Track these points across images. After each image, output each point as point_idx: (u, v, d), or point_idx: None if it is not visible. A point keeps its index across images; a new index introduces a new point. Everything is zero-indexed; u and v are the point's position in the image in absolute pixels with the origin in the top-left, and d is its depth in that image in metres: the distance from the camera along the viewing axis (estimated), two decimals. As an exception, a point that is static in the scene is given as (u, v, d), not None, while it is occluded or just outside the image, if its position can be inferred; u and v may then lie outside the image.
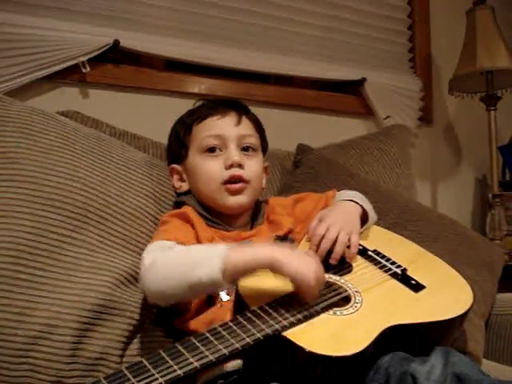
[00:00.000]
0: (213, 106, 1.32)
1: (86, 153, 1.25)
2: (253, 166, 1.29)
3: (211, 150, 1.26)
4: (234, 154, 1.25)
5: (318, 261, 1.01)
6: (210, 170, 1.25)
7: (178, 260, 1.06)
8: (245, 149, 1.29)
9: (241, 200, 1.26)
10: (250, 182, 1.27)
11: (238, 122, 1.29)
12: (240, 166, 1.25)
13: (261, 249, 1.02)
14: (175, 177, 1.35)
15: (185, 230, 1.20)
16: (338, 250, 1.18)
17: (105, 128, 1.49)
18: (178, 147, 1.33)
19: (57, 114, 1.33)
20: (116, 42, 1.75)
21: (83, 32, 1.72)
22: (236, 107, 1.32)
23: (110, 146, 1.32)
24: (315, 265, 0.99)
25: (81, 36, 1.71)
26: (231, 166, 1.24)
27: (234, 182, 1.25)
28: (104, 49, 1.74)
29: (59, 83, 1.73)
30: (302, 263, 0.97)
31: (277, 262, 0.97)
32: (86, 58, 1.71)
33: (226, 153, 1.26)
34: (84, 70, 1.72)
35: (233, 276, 0.99)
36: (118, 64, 1.84)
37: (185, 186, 1.33)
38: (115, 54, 1.82)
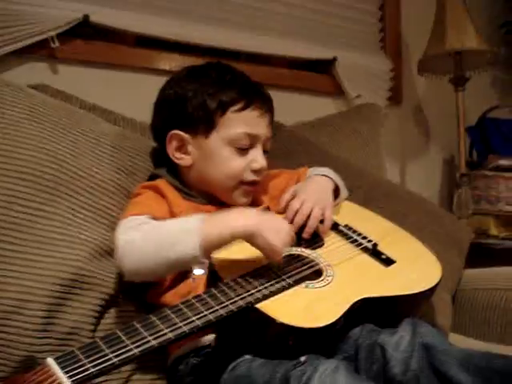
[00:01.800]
0: (250, 93, 1.23)
1: (55, 125, 1.23)
2: (266, 168, 1.26)
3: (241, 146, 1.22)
4: (263, 161, 1.23)
5: (286, 223, 1.08)
6: (236, 167, 1.21)
7: (154, 238, 1.05)
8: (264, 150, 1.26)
9: (249, 201, 1.26)
10: (259, 183, 1.27)
11: (270, 123, 1.27)
12: (262, 172, 1.24)
13: (235, 221, 1.02)
14: (175, 144, 1.24)
15: (158, 202, 1.19)
16: (312, 224, 1.20)
17: (74, 101, 1.46)
18: (199, 117, 1.21)
19: (25, 87, 1.31)
20: (86, 17, 1.72)
21: (53, 6, 1.68)
22: (270, 103, 1.28)
23: (80, 118, 1.30)
24: (286, 233, 1.03)
25: (50, 10, 1.67)
26: (256, 172, 1.22)
27: (251, 184, 1.24)
28: (74, 23, 1.71)
29: (28, 58, 1.69)
30: (273, 233, 1.00)
31: (251, 234, 1.00)
32: (55, 32, 1.67)
33: (252, 152, 1.22)
34: (53, 45, 1.68)
35: (209, 250, 1.01)
36: (88, 40, 1.81)
37: (187, 161, 1.24)
38: (85, 30, 1.79)
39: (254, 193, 1.27)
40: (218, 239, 1.00)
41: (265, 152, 1.26)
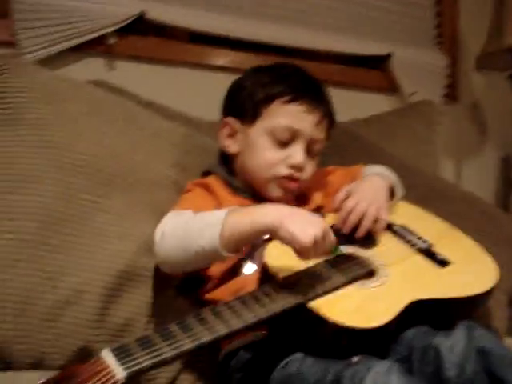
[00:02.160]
0: (301, 87, 1.23)
1: (113, 120, 1.25)
2: (310, 170, 1.25)
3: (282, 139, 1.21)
4: (300, 157, 1.21)
5: (321, 220, 0.99)
6: (271, 159, 1.21)
7: (184, 230, 1.05)
8: (310, 151, 1.24)
9: (286, 197, 1.24)
10: (302, 183, 1.25)
11: (320, 123, 1.24)
12: (301, 169, 1.22)
13: (257, 214, 0.99)
14: (225, 131, 1.27)
15: (205, 199, 1.20)
16: (366, 224, 1.18)
17: (132, 98, 1.48)
18: (247, 107, 1.24)
19: (84, 82, 1.33)
20: (142, 13, 1.74)
21: (109, 3, 1.71)
22: (324, 102, 1.26)
23: (137, 114, 1.32)
24: (319, 225, 0.95)
25: (107, 7, 1.70)
26: (293, 167, 1.21)
27: (288, 179, 1.22)
28: (130, 20, 1.73)
29: (85, 54, 1.72)
30: (299, 227, 0.94)
31: (273, 227, 0.95)
32: (112, 29, 1.70)
33: (292, 148, 1.21)
34: (110, 42, 1.71)
35: (233, 242, 0.99)
36: (143, 35, 1.83)
37: (233, 148, 1.27)
38: (141, 26, 1.81)
39: (295, 190, 1.25)
40: (239, 232, 0.99)
41: (312, 154, 1.25)
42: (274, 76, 1.25)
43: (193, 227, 1.04)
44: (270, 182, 1.22)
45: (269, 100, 1.21)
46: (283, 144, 1.21)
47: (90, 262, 1.10)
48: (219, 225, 0.98)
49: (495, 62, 2.34)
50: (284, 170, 1.21)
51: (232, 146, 1.27)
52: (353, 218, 1.18)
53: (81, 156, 1.17)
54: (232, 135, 1.27)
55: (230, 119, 1.26)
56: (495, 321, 1.36)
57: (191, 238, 1.02)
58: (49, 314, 1.05)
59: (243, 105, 1.24)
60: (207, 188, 1.22)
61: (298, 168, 1.22)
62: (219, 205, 1.19)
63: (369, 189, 1.25)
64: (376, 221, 1.19)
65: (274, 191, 1.23)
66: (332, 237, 0.98)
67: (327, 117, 1.27)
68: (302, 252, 0.94)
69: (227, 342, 1.07)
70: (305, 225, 0.94)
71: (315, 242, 0.93)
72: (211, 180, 1.24)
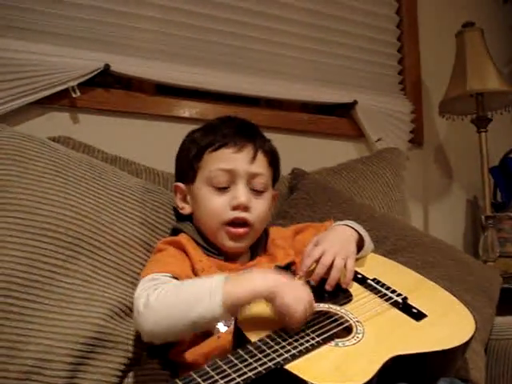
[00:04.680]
0: (230, 133, 1.24)
1: (78, 179, 1.22)
2: (259, 208, 1.23)
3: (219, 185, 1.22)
4: (242, 195, 1.20)
5: (309, 292, 1.01)
6: (214, 207, 1.21)
7: (176, 298, 1.02)
8: (252, 189, 1.24)
9: (240, 246, 1.24)
10: (254, 225, 1.23)
11: (253, 159, 1.23)
12: (246, 208, 1.21)
13: (259, 281, 1.00)
14: (178, 196, 1.31)
15: (180, 260, 1.17)
16: (334, 275, 1.15)
17: (96, 154, 1.46)
18: (186, 167, 1.28)
19: (48, 140, 1.30)
20: (106, 67, 1.74)
21: (73, 56, 1.70)
22: (253, 139, 1.26)
23: (102, 172, 1.30)
24: (307, 298, 0.98)
25: (71, 60, 1.69)
26: (237, 208, 1.20)
27: (237, 225, 1.21)
28: (94, 73, 1.73)
29: (48, 108, 1.71)
30: (293, 298, 0.96)
31: (271, 293, 0.97)
32: (76, 82, 1.69)
33: (233, 190, 1.21)
34: (74, 95, 1.69)
35: (232, 309, 0.98)
36: (108, 88, 1.82)
37: (187, 209, 1.30)
38: (105, 79, 1.80)
39: (244, 236, 1.23)
40: (240, 300, 0.98)
41: (258, 192, 1.24)
42: (205, 130, 1.29)
43: (187, 296, 1.01)
44: (220, 230, 1.21)
45: (200, 154, 1.24)
46: (223, 189, 1.21)
47: (54, 329, 1.06)
48: (219, 294, 0.97)
49: (458, 106, 2.40)
50: (230, 214, 1.20)
51: (186, 208, 1.30)
52: (320, 269, 1.16)
53: (45, 219, 1.13)
54: (184, 198, 1.30)
55: (178, 184, 1.30)
56: (474, 371, 1.34)
57: (186, 307, 0.99)
58: (12, 386, 1.00)
59: (182, 167, 1.30)
60: (180, 246, 1.20)
61: (244, 207, 1.20)
62: (193, 265, 1.17)
63: (335, 238, 1.24)
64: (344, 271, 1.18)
65: (225, 242, 1.22)
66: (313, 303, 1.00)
67: (262, 150, 1.26)
68: (293, 324, 0.96)
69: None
70: (298, 298, 0.97)
71: (306, 312, 0.97)
72: (182, 238, 1.22)
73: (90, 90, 1.76)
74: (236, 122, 1.29)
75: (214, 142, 1.23)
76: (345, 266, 1.18)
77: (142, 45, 1.87)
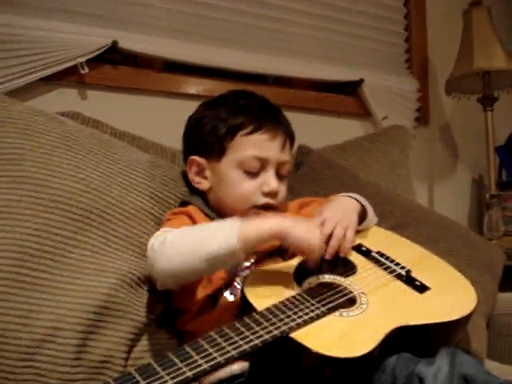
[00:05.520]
0: (261, 117, 1.25)
1: (88, 154, 1.24)
2: (283, 192, 1.27)
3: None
4: (274, 182, 1.23)
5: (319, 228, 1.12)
6: (246, 191, 1.23)
7: (191, 235, 1.07)
8: (279, 174, 1.26)
9: None
10: (278, 208, 1.26)
11: (283, 147, 1.26)
12: (275, 194, 1.24)
13: (274, 220, 1.06)
14: (194, 169, 1.30)
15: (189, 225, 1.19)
16: (333, 244, 1.17)
17: (105, 129, 1.47)
18: (210, 143, 1.26)
19: (58, 115, 1.32)
20: (114, 43, 1.75)
21: (81, 33, 1.71)
22: (284, 126, 1.29)
23: (111, 146, 1.31)
24: (317, 231, 1.08)
25: (79, 37, 1.70)
26: (268, 194, 1.23)
27: (264, 208, 1.24)
28: (102, 50, 1.74)
29: (57, 84, 1.72)
30: (304, 230, 1.05)
31: (284, 230, 1.03)
32: (85, 59, 1.70)
33: (263, 176, 1.23)
34: (82, 71, 1.71)
35: (247, 245, 1.02)
36: (116, 65, 1.83)
37: (205, 185, 1.29)
38: (113, 55, 1.81)
39: None
40: (256, 234, 1.03)
41: (282, 176, 1.27)
42: (231, 108, 1.27)
43: (203, 232, 1.07)
44: (247, 212, 1.22)
45: (231, 134, 1.23)
46: (254, 174, 1.23)
47: (65, 298, 1.08)
48: (235, 227, 1.02)
49: (465, 85, 2.40)
50: (261, 199, 1.23)
51: (203, 183, 1.29)
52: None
53: (56, 192, 1.15)
54: (200, 173, 1.29)
55: (195, 157, 1.28)
56: (475, 344, 1.37)
57: (201, 239, 1.04)
58: (25, 354, 1.02)
59: (206, 142, 1.27)
60: (190, 216, 1.22)
61: (274, 194, 1.23)
62: None
63: (336, 209, 1.26)
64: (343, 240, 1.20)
65: None
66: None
67: (289, 138, 1.30)
68: (313, 252, 1.06)
69: (206, 376, 1.05)
70: (308, 229, 1.06)
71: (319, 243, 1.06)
72: (192, 209, 1.24)
73: (98, 67, 1.78)
74: (261, 102, 1.31)
75: (246, 125, 1.23)
76: (344, 236, 1.20)
77: (149, 22, 1.88)
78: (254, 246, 1.04)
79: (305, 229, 1.05)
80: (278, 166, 1.25)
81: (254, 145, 1.22)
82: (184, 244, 1.06)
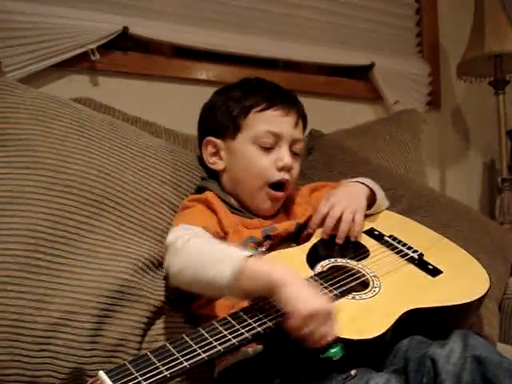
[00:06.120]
0: (274, 96, 1.27)
1: (101, 139, 1.25)
2: (296, 170, 1.29)
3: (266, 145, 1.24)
4: (288, 158, 1.24)
5: (327, 301, 0.93)
6: (261, 165, 1.24)
7: (203, 255, 1.01)
8: (292, 152, 1.27)
9: (274, 207, 1.28)
10: (289, 188, 1.28)
11: (296, 124, 1.28)
12: (289, 169, 1.25)
13: (277, 269, 0.95)
14: (210, 150, 1.30)
15: (208, 216, 1.20)
16: (343, 228, 1.20)
17: (117, 114, 1.47)
18: (225, 122, 1.27)
19: (71, 101, 1.32)
20: (125, 29, 1.75)
21: (92, 19, 1.72)
22: (296, 105, 1.30)
23: (124, 132, 1.32)
24: (320, 303, 0.90)
25: (90, 23, 1.71)
26: (282, 169, 1.24)
27: (277, 188, 1.25)
28: (113, 36, 1.75)
29: (68, 71, 1.73)
30: (302, 297, 0.89)
31: (278, 287, 0.91)
32: (95, 45, 1.71)
33: (277, 151, 1.24)
34: (93, 58, 1.71)
35: (240, 286, 0.94)
36: (126, 51, 1.83)
37: (220, 165, 1.30)
38: (124, 42, 1.81)
39: (281, 199, 1.28)
40: (250, 278, 0.93)
41: (296, 155, 1.28)
42: (245, 90, 1.29)
43: (213, 251, 1.01)
44: (261, 190, 1.24)
45: (245, 112, 1.25)
46: (268, 149, 1.24)
47: (80, 282, 1.09)
48: (238, 260, 0.94)
49: (476, 68, 2.38)
50: (276, 175, 1.24)
51: (218, 163, 1.30)
52: (329, 222, 1.21)
53: (70, 177, 1.16)
54: (215, 153, 1.30)
55: (210, 138, 1.30)
56: (487, 328, 1.37)
57: (207, 260, 0.99)
58: (40, 337, 1.04)
59: (221, 122, 1.28)
60: (207, 204, 1.22)
61: (288, 169, 1.24)
62: (219, 221, 1.19)
63: (345, 193, 1.28)
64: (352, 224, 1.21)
65: (264, 203, 1.26)
66: (333, 323, 0.90)
67: (302, 118, 1.31)
68: (293, 320, 0.88)
69: (222, 358, 1.06)
70: (306, 296, 0.90)
71: (312, 316, 0.88)
72: (209, 196, 1.24)
73: (109, 53, 1.78)
74: (273, 85, 1.32)
75: (260, 103, 1.25)
76: (353, 219, 1.21)
77: (160, 7, 1.88)
78: (247, 290, 0.94)
79: (303, 296, 0.89)
80: (291, 143, 1.26)
81: (267, 120, 1.24)
82: (194, 257, 1.01)
